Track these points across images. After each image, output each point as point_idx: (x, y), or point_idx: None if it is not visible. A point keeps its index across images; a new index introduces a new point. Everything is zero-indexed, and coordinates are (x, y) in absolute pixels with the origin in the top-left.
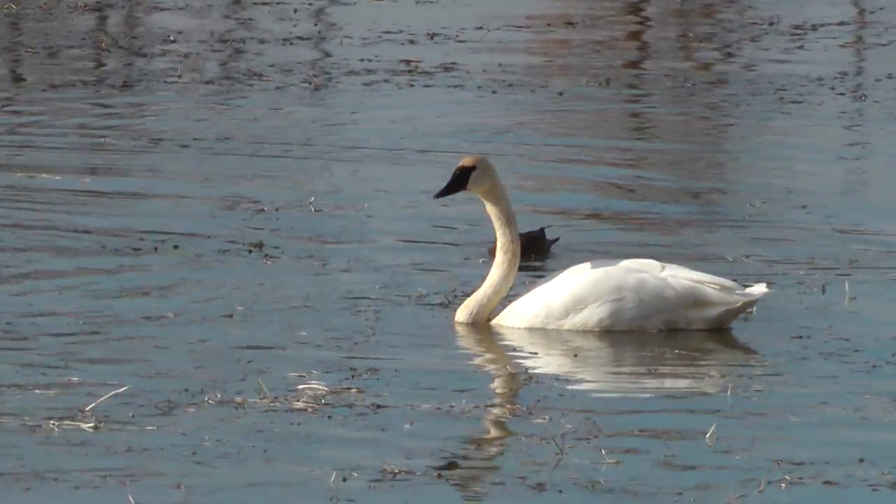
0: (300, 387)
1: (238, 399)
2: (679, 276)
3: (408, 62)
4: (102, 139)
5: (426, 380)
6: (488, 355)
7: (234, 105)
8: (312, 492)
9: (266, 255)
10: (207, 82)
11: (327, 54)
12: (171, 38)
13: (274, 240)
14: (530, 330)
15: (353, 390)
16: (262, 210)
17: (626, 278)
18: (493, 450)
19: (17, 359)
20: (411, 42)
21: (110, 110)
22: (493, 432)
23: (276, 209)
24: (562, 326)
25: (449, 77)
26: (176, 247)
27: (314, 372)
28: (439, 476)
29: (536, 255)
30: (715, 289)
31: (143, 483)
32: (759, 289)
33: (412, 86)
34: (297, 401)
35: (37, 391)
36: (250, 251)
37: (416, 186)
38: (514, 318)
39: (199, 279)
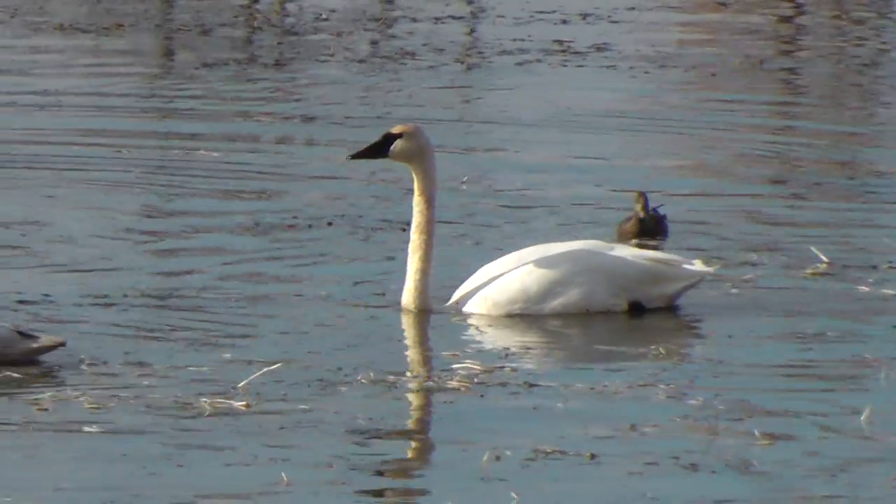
0: (453, 366)
1: (391, 378)
2: (633, 255)
3: (560, 42)
4: (255, 117)
5: (579, 359)
6: (639, 337)
7: (386, 84)
8: (464, 471)
9: None
10: (360, 61)
11: (480, 33)
12: (324, 16)
13: None
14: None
15: (507, 369)
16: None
17: (594, 259)
18: (647, 430)
19: (170, 336)
20: (564, 22)
21: (262, 89)
22: (645, 412)
23: None
24: (541, 311)
25: (601, 57)
26: (330, 223)
27: (467, 350)
28: (592, 456)
29: (660, 236)
30: (667, 265)
31: (296, 461)
32: (699, 265)
33: (564, 66)
34: (451, 380)
35: (190, 368)
36: (403, 229)
37: (567, 165)
38: (490, 306)
39: (352, 257)
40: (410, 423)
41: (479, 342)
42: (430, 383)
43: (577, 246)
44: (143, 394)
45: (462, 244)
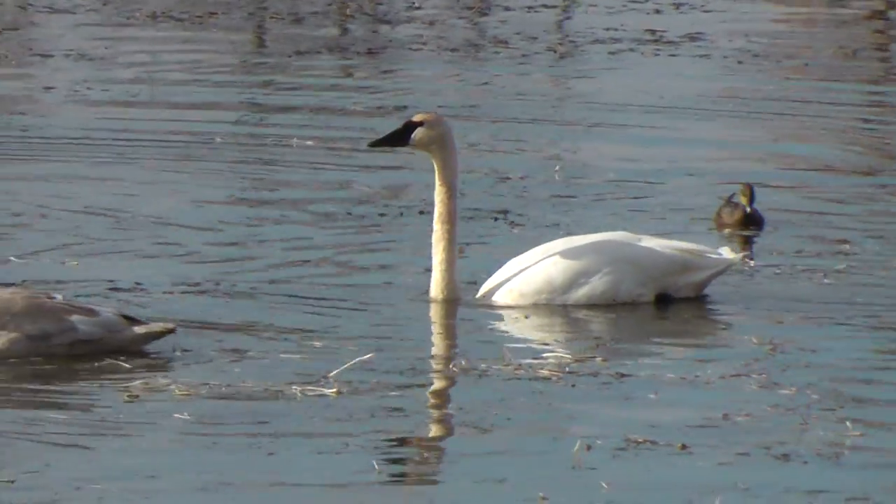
0: (544, 355)
1: (482, 367)
2: (661, 246)
3: (653, 31)
4: (346, 106)
5: (670, 349)
6: (731, 324)
7: (478, 72)
8: (555, 460)
9: (511, 222)
10: (452, 49)
11: (572, 22)
12: (416, 4)
13: (519, 207)
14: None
15: (598, 359)
16: (508, 178)
17: (620, 249)
18: (738, 419)
19: (262, 324)
20: (657, 11)
21: (354, 77)
22: (737, 402)
23: (521, 177)
24: (566, 301)
25: (694, 47)
26: (422, 212)
27: (559, 340)
28: (683, 446)
29: (759, 227)
30: (694, 255)
31: (385, 449)
32: (727, 253)
33: (657, 55)
34: (542, 369)
35: (282, 356)
36: (495, 219)
37: (658, 155)
38: (516, 297)
39: None
40: (501, 413)
41: (564, 333)
42: (522, 372)
43: (603, 237)
44: (234, 382)
45: (556, 234)
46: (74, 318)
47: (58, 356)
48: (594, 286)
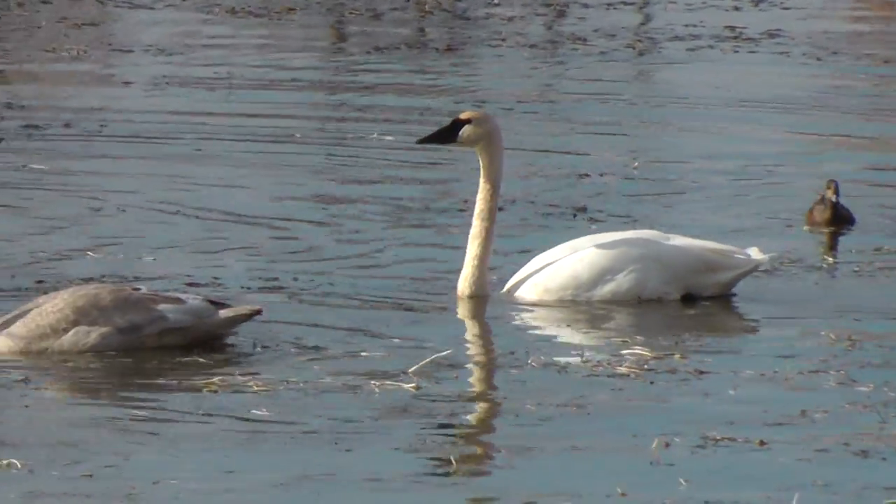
0: (623, 352)
1: (561, 363)
2: (688, 245)
3: (732, 28)
4: (426, 102)
5: (749, 346)
6: (809, 321)
7: (557, 69)
8: (634, 456)
9: (590, 218)
10: (531, 46)
11: (651, 19)
12: (495, 1)
13: (598, 203)
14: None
15: (676, 356)
16: (587, 175)
17: (647, 247)
18: (817, 416)
19: (341, 321)
20: (736, 8)
21: (433, 73)
22: (816, 399)
23: (601, 174)
24: (591, 298)
25: (773, 44)
26: (500, 209)
27: (637, 337)
28: (761, 443)
29: (849, 223)
30: (721, 255)
31: (463, 445)
32: (755, 253)
33: (736, 52)
34: (620, 366)
35: (362, 354)
36: (574, 215)
37: (737, 153)
38: (541, 292)
39: (521, 241)
40: (579, 409)
41: (646, 329)
42: (601, 369)
43: (632, 235)
44: (312, 378)
45: (634, 229)
46: (162, 307)
47: (148, 348)
48: (619, 283)
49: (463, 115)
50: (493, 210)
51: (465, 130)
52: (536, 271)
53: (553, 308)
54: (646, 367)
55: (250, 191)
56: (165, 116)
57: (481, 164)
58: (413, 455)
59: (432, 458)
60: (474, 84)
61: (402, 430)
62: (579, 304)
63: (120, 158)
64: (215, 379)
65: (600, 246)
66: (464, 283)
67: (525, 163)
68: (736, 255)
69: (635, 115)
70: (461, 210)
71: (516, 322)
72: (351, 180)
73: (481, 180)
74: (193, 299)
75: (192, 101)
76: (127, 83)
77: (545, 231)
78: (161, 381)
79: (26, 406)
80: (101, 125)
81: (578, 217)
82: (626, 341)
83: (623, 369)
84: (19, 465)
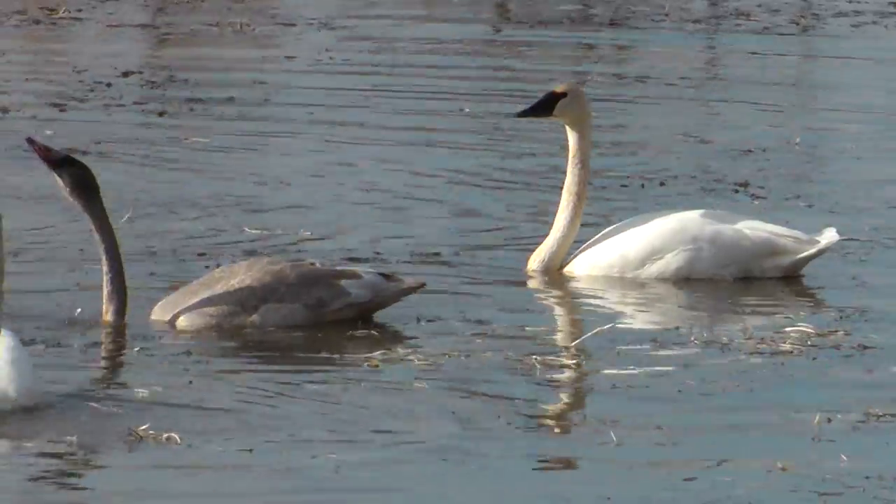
0: (787, 328)
1: (724, 339)
2: (755, 228)
3: None
4: (589, 77)
5: None
6: None
7: (720, 44)
8: (795, 432)
9: (752, 194)
10: (694, 21)
11: None
12: None
13: (760, 180)
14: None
15: (840, 332)
16: (749, 151)
17: (702, 229)
18: None
19: (505, 294)
20: None
21: (596, 48)
22: None
23: (763, 150)
24: (638, 276)
25: None
26: (662, 184)
27: (801, 314)
28: None
29: None
30: (789, 239)
31: (624, 423)
32: (829, 235)
33: None
34: (783, 342)
35: (526, 328)
36: (736, 191)
37: None
38: (589, 267)
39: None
40: (739, 385)
41: (809, 306)
42: (764, 346)
43: (698, 214)
44: (475, 352)
45: (796, 207)
46: (344, 282)
47: (326, 322)
48: (668, 262)
49: (558, 89)
50: (583, 183)
51: (561, 104)
52: (591, 246)
53: (713, 285)
54: (809, 343)
55: (411, 165)
56: (328, 90)
57: (570, 138)
58: (574, 432)
59: (592, 434)
60: (637, 59)
61: (562, 405)
62: (724, 282)
63: (282, 133)
64: (378, 353)
65: (661, 225)
66: (536, 258)
67: (686, 138)
68: (801, 239)
69: (798, 90)
70: (624, 186)
71: (673, 299)
72: (515, 154)
73: (570, 154)
74: (368, 273)
75: (355, 75)
76: (290, 57)
77: (706, 207)
78: (324, 354)
79: (190, 382)
80: (264, 99)
81: (740, 192)
82: (790, 318)
83: (786, 346)
84: (179, 440)
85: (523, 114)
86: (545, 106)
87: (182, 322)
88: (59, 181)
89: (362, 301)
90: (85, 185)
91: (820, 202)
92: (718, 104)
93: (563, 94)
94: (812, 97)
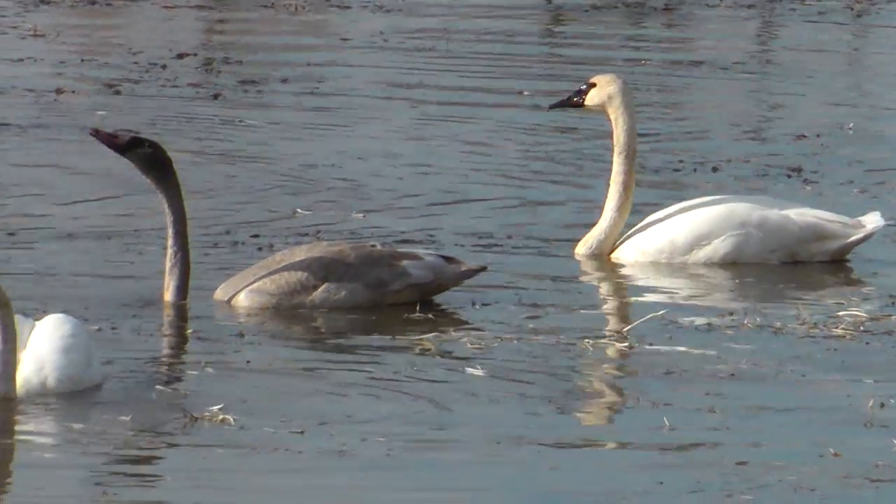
0: (840, 313)
1: (777, 324)
2: (802, 213)
3: None
4: (642, 62)
5: None
6: None
7: (774, 29)
8: (848, 417)
9: (805, 179)
10: (749, 6)
11: None
12: None
13: (813, 165)
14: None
15: (893, 317)
16: (803, 136)
17: (750, 214)
18: None
19: (559, 278)
20: None
21: (651, 32)
22: None
23: (817, 135)
24: (686, 261)
25: None
26: (715, 169)
27: (853, 299)
28: None
29: None
30: (836, 224)
31: (676, 406)
32: (875, 220)
33: None
34: (836, 327)
35: (580, 312)
36: (789, 176)
37: None
38: (637, 253)
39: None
40: (790, 368)
41: (860, 292)
42: (816, 331)
43: (738, 200)
44: (527, 335)
45: (849, 192)
46: (405, 263)
47: (387, 303)
48: (716, 248)
49: (591, 80)
50: (627, 172)
51: (591, 94)
52: (638, 231)
53: (761, 270)
54: (862, 328)
55: (465, 146)
56: (382, 73)
57: (613, 128)
58: (626, 415)
59: (645, 418)
60: (692, 43)
61: (615, 389)
62: (772, 267)
63: (335, 115)
64: (430, 336)
65: (708, 211)
66: (583, 244)
67: (740, 123)
68: (846, 224)
69: (852, 75)
70: (676, 170)
71: (723, 284)
72: (563, 138)
73: (614, 143)
74: (429, 255)
75: (410, 57)
76: (344, 39)
77: (758, 193)
78: (376, 337)
79: (248, 362)
80: (318, 81)
81: (793, 178)
82: (841, 303)
83: (839, 331)
84: (232, 421)
85: (557, 105)
86: (575, 97)
87: (242, 301)
88: (133, 164)
89: (423, 282)
90: (156, 162)
91: (872, 188)
92: (772, 89)
93: (593, 86)
94: (865, 82)
